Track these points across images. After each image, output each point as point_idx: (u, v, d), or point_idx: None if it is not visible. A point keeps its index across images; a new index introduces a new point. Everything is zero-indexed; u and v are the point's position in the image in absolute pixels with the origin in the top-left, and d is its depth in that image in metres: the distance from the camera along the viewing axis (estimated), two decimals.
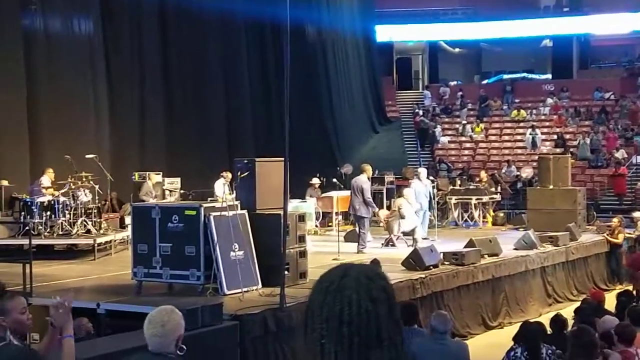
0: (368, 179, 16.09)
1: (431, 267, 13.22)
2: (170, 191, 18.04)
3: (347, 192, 17.77)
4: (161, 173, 18.32)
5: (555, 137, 31.71)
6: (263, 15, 23.51)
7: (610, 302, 11.21)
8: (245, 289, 10.51)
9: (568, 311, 11.06)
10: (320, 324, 1.95)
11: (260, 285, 10.91)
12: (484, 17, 37.07)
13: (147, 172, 17.86)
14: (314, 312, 1.98)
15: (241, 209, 11.26)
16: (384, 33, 36.19)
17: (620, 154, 29.44)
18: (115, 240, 15.57)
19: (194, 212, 10.70)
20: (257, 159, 11.93)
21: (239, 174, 11.72)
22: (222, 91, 24.36)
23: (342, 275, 2.02)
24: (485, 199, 21.91)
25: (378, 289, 1.98)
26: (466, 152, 32.72)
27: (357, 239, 15.73)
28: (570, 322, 9.25)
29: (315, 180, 20.85)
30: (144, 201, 15.78)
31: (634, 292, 12.75)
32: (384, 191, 21.61)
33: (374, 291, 1.97)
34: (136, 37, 21.72)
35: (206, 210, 10.70)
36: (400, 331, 1.98)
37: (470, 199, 21.68)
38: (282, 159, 10.69)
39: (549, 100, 34.51)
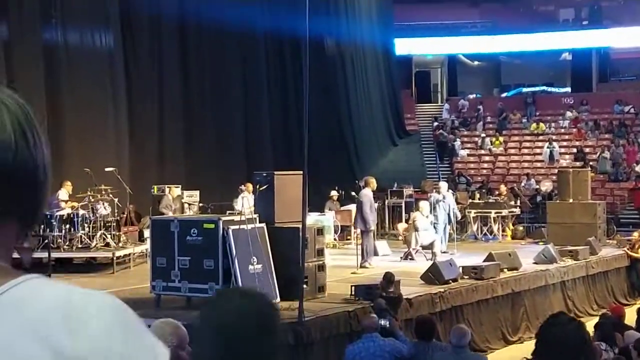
0: (373, 192, 15.90)
1: (450, 281, 13.16)
2: (189, 204, 18.08)
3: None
4: (180, 186, 18.37)
5: (575, 150, 31.53)
6: (282, 28, 23.59)
7: (630, 316, 11.10)
8: None
9: (588, 326, 10.95)
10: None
11: (278, 299, 10.88)
12: (503, 31, 37.02)
13: (167, 185, 17.91)
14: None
15: (260, 222, 11.26)
16: (403, 46, 36.22)
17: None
18: (134, 254, 15.60)
19: (212, 226, 10.71)
20: (275, 172, 11.94)
21: (257, 187, 11.73)
22: (241, 104, 24.43)
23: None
24: (504, 212, 21.81)
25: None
26: (485, 165, 32.59)
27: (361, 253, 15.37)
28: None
29: (334, 193, 20.83)
30: (163, 214, 15.82)
31: None
32: (403, 204, 21.56)
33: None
34: (156, 51, 21.84)
35: (225, 223, 10.71)
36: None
37: (490, 212, 21.59)
38: (301, 172, 10.70)
39: (569, 114, 34.34)
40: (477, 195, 23.87)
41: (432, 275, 13.22)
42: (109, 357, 1.04)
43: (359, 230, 15.54)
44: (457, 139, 33.75)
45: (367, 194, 15.47)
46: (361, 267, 14.92)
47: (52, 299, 1.06)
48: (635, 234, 18.59)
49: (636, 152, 30.60)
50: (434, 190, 18.87)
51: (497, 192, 24.62)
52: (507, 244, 20.12)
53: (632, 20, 35.12)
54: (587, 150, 31.43)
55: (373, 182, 15.93)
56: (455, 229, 19.44)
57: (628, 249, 18.20)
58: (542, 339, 3.03)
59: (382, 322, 9.04)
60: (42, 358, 1.03)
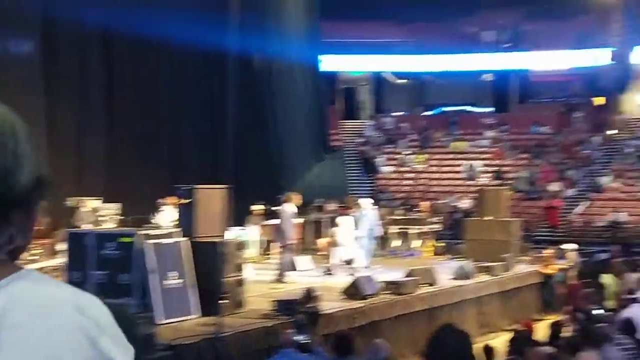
0: (296, 207, 16.04)
1: (370, 297, 13.34)
2: (107, 217, 17.82)
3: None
4: (102, 199, 18.13)
5: (493, 169, 32.34)
6: (210, 42, 23.56)
7: (541, 332, 11.48)
8: (182, 318, 10.46)
9: (501, 341, 11.29)
10: None
11: (197, 315, 10.87)
12: (427, 50, 37.75)
13: (82, 198, 17.61)
14: None
15: (183, 236, 11.25)
16: (330, 63, 36.58)
17: (554, 187, 30.18)
18: (47, 267, 15.31)
19: (129, 239, 10.61)
20: (198, 186, 11.95)
21: (180, 200, 11.73)
22: (166, 117, 24.29)
23: None
24: (425, 228, 22.23)
25: None
26: (407, 182, 33.13)
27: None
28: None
29: (259, 208, 20.86)
30: (78, 227, 15.59)
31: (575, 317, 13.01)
32: (326, 219, 21.73)
33: None
34: (78, 61, 21.54)
35: (143, 237, 10.64)
36: None
37: (410, 228, 21.96)
38: (224, 186, 10.75)
39: (489, 133, 35.21)
40: (399, 212, 24.25)
41: (353, 290, 13.38)
42: (117, 342, 1.24)
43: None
44: (381, 156, 34.25)
45: (287, 209, 15.57)
46: (277, 281, 14.98)
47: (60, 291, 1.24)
48: (548, 251, 19.18)
49: (551, 171, 31.59)
50: (357, 206, 19.11)
51: (418, 209, 25.05)
52: (426, 259, 20.48)
53: (551, 45, 36.28)
54: (505, 169, 32.28)
55: (295, 198, 16.02)
56: (377, 244, 19.71)
57: (541, 266, 18.76)
58: (431, 349, 3.21)
59: (300, 337, 9.15)
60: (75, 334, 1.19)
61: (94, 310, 1.25)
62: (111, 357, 1.22)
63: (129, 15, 21.75)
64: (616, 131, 34.18)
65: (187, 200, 11.56)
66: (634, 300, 9.77)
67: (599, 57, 34.46)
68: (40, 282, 1.24)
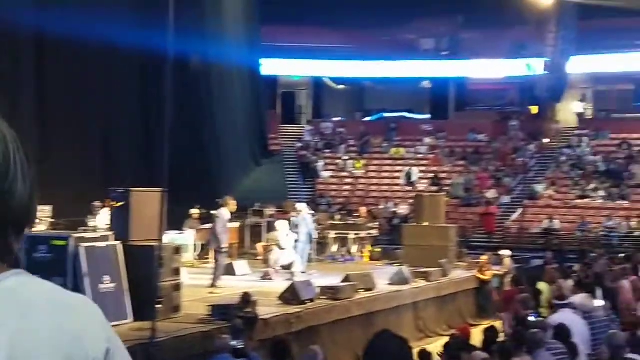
0: (231, 211, 15.89)
1: (307, 302, 13.30)
2: (39, 220, 17.42)
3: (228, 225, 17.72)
4: None
5: (431, 175, 32.66)
6: (146, 44, 23.25)
7: (477, 337, 11.56)
8: (116, 323, 10.28)
9: (437, 346, 11.35)
10: None
11: (131, 319, 10.69)
12: (367, 57, 37.96)
13: None
14: None
15: (115, 239, 11.05)
16: (270, 67, 36.50)
17: (490, 194, 30.61)
18: None
19: (62, 242, 10.40)
20: (132, 189, 11.75)
21: (113, 203, 11.53)
22: (101, 119, 23.88)
23: None
24: (363, 234, 22.31)
25: None
26: (346, 187, 33.24)
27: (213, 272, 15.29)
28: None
29: (195, 212, 20.65)
30: None
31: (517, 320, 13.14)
32: (264, 224, 21.65)
33: None
34: (9, 65, 21.02)
35: (76, 240, 10.43)
36: None
37: (349, 233, 22.01)
38: (160, 189, 10.59)
39: (427, 140, 35.55)
40: (337, 217, 24.30)
41: (290, 295, 13.33)
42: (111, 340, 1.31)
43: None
44: (320, 161, 34.30)
45: (222, 213, 15.40)
46: (211, 286, 14.82)
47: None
48: (484, 257, 19.41)
49: (488, 178, 32.04)
50: (295, 211, 19.08)
51: (356, 214, 25.13)
52: (364, 265, 20.56)
53: (488, 53, 36.82)
54: (442, 175, 32.61)
55: (230, 203, 15.83)
56: (314, 249, 19.70)
57: (477, 272, 18.97)
58: (369, 355, 3.18)
59: (235, 343, 9.05)
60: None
61: (81, 310, 1.31)
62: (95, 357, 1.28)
63: (62, 17, 21.27)
64: (550, 140, 34.86)
65: (121, 203, 11.36)
66: (564, 306, 9.91)
67: (534, 66, 35.08)
68: (32, 280, 1.33)
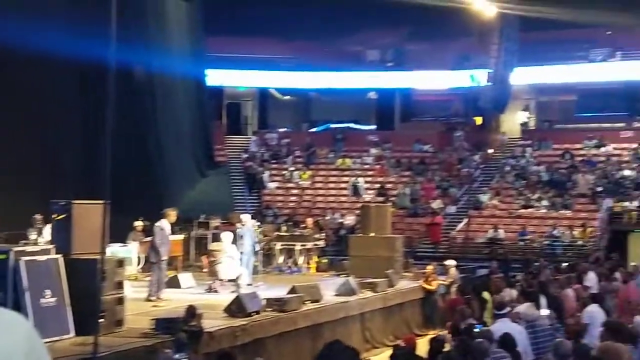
0: (172, 223, 15.67)
1: (253, 314, 13.19)
2: None
3: (171, 237, 17.51)
4: None
5: (377, 186, 32.79)
6: (88, 54, 22.88)
7: (423, 347, 11.57)
8: (58, 338, 10.05)
9: (384, 357, 11.33)
10: None
11: (73, 334, 10.46)
12: (313, 67, 38.04)
13: None
14: None
15: (57, 253, 10.81)
16: (215, 77, 36.29)
17: (436, 204, 30.85)
18: None
19: (3, 256, 10.16)
20: (74, 201, 11.52)
21: (55, 216, 11.28)
22: (40, 130, 23.39)
23: None
24: (309, 245, 22.25)
25: None
26: (293, 198, 33.18)
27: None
28: None
29: (139, 224, 20.34)
30: None
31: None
32: (209, 236, 21.45)
33: None
34: None
35: (16, 254, 10.19)
36: None
37: (295, 245, 21.93)
38: (102, 201, 10.38)
39: (373, 151, 35.71)
40: (284, 228, 24.21)
41: (235, 307, 13.19)
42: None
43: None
44: (266, 172, 34.19)
45: (162, 225, 15.13)
46: (148, 299, 14.57)
47: None
48: (429, 267, 19.51)
49: (433, 189, 32.28)
50: (240, 222, 18.94)
51: (303, 225, 25.07)
52: (311, 276, 20.50)
53: (433, 65, 37.21)
54: (388, 186, 32.77)
55: (170, 214, 15.58)
56: (260, 261, 19.57)
57: (423, 282, 19.04)
58: None
59: (179, 357, 8.90)
60: None
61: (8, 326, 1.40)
62: None
63: (2, 25, 20.82)
64: (495, 150, 35.30)
65: (62, 216, 11.12)
66: (504, 315, 9.97)
67: (478, 78, 35.52)
68: None
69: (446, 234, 29.57)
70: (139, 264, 19.14)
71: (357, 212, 26.48)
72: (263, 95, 40.37)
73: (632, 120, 34.88)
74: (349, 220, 29.10)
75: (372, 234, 20.35)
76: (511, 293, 13.41)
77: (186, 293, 16.31)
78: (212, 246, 18.60)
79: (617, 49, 36.26)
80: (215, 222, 22.38)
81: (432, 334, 14.69)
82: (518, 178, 32.07)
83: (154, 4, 28.88)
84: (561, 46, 36.09)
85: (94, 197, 12.18)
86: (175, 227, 20.48)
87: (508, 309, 10.49)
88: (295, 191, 33.64)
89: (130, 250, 18.73)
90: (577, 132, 34.75)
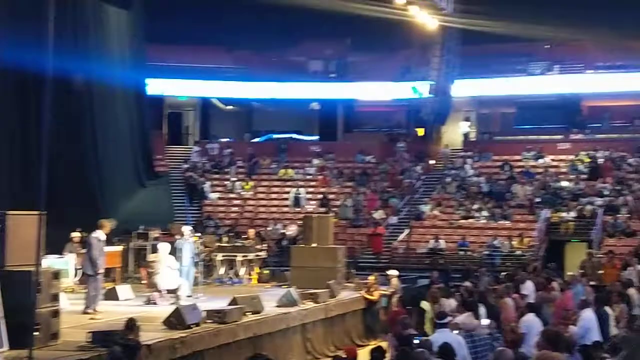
0: (106, 234, 15.37)
1: (193, 326, 13.02)
2: None
3: (109, 248, 17.23)
4: None
5: (320, 196, 32.80)
6: (26, 63, 22.40)
7: (363, 357, 11.55)
8: None
9: None
10: None
11: (7, 347, 10.19)
12: (256, 78, 37.98)
13: None
14: None
15: None
16: (156, 86, 35.94)
17: (378, 215, 30.98)
18: None
19: None
20: (8, 212, 11.24)
21: None
22: None
23: None
24: (251, 256, 22.12)
25: None
26: (235, 209, 32.98)
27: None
28: None
29: (76, 235, 19.95)
30: None
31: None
32: (149, 247, 21.14)
33: None
34: None
35: None
36: None
37: (236, 256, 21.78)
38: (38, 212, 10.15)
39: (315, 161, 35.74)
40: (225, 239, 24.03)
41: (175, 320, 13.01)
42: None
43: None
44: (207, 182, 33.94)
45: (96, 236, 14.80)
46: (84, 312, 14.27)
47: None
48: (371, 277, 19.53)
49: (376, 199, 32.42)
50: (180, 233, 18.73)
51: (245, 236, 24.90)
52: (252, 287, 20.38)
53: (376, 76, 37.47)
54: (331, 196, 32.82)
55: (105, 225, 15.26)
56: (201, 272, 19.37)
57: (364, 292, 19.05)
58: None
59: None
60: None
61: None
62: None
63: None
64: (436, 161, 35.64)
65: None
66: (444, 325, 10.01)
67: (421, 89, 35.86)
68: None
69: (388, 244, 29.70)
70: (75, 276, 18.76)
71: (299, 222, 26.45)
72: (205, 105, 40.13)
73: (570, 132, 35.59)
74: (291, 230, 29.05)
75: (314, 245, 20.32)
76: (451, 303, 13.49)
77: (124, 305, 16.05)
78: (150, 257, 18.35)
79: (555, 63, 37.03)
80: (155, 233, 22.07)
81: (373, 344, 14.69)
82: (459, 189, 32.42)
83: (93, 12, 28.50)
84: (501, 59, 36.71)
85: (30, 208, 11.92)
86: (114, 239, 20.20)
87: (449, 318, 10.55)
88: (237, 202, 33.45)
89: (67, 262, 18.37)
90: (516, 143, 35.31)
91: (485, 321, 11.47)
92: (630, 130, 35.37)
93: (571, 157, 33.56)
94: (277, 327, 15.23)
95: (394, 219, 31.26)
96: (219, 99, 40.08)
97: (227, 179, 34.65)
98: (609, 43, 34.72)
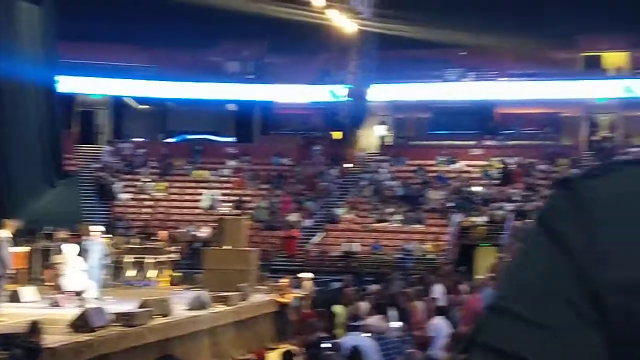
0: (12, 234, 14.84)
1: (99, 329, 12.63)
2: None
3: (14, 249, 16.60)
4: None
5: (234, 198, 32.50)
6: None
7: None
8: None
9: None
10: None
11: None
12: (170, 77, 37.42)
13: None
14: None
15: None
16: (67, 84, 35.01)
17: (293, 217, 30.89)
18: None
19: None
20: None
21: None
22: None
23: None
24: (162, 258, 21.71)
25: None
26: (146, 210, 32.37)
27: None
28: None
29: None
30: None
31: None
32: (55, 248, 20.47)
33: None
34: None
35: None
36: None
37: (147, 257, 21.35)
38: None
39: (231, 163, 35.42)
40: (136, 240, 23.53)
41: (80, 322, 12.61)
42: None
43: None
44: (118, 182, 33.24)
45: (2, 236, 14.29)
46: None
47: None
48: (284, 280, 19.40)
49: (290, 202, 32.32)
50: (87, 234, 18.22)
51: (156, 237, 24.46)
52: (163, 289, 19.98)
53: (293, 79, 37.40)
54: (246, 199, 32.55)
55: (9, 225, 14.74)
56: (110, 274, 18.88)
57: (277, 295, 18.90)
58: None
59: None
60: None
61: None
62: None
63: None
64: (352, 165, 35.78)
65: None
66: (356, 328, 9.97)
67: (338, 93, 35.95)
68: None
69: (302, 247, 29.61)
70: None
71: (213, 224, 26.11)
72: (118, 104, 39.30)
73: (482, 139, 36.23)
74: (204, 232, 28.67)
75: (227, 247, 20.06)
76: (362, 305, 13.47)
77: (28, 307, 15.48)
78: (55, 259, 17.78)
79: (470, 70, 37.64)
80: (62, 234, 21.42)
81: (284, 347, 14.56)
82: (374, 193, 32.60)
83: (5, 7, 27.63)
84: (417, 65, 37.11)
85: None
86: (19, 239, 19.51)
87: (361, 321, 10.52)
88: (149, 202, 32.84)
89: None
90: (431, 148, 35.74)
91: (395, 324, 11.47)
92: (541, 137, 36.25)
93: (483, 162, 34.15)
94: (186, 330, 14.94)
95: (308, 222, 31.21)
96: (133, 98, 39.33)
97: (139, 180, 34.00)
98: (522, 52, 35.52)
